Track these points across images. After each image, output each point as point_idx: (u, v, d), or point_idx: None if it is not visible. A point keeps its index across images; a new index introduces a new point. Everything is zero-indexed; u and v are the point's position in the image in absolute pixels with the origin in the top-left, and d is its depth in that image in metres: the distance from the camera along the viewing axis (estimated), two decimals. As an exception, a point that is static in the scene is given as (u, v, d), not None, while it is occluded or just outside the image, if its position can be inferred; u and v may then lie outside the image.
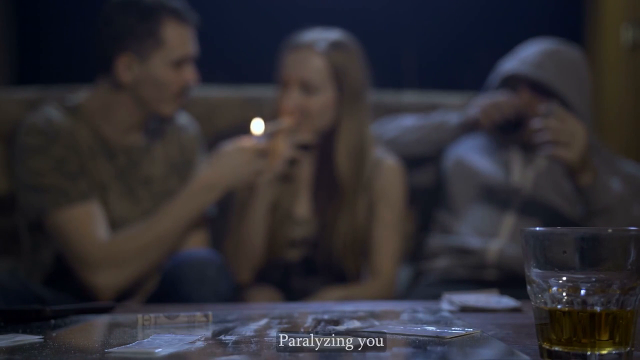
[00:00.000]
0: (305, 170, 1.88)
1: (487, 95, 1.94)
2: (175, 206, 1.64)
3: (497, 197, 1.87)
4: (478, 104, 1.94)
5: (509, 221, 1.82)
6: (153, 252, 1.63)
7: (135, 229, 1.63)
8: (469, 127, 1.98)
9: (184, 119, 1.86)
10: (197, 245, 1.75)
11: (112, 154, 1.71)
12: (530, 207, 1.84)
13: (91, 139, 1.69)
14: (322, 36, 1.84)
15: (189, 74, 1.70)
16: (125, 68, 1.65)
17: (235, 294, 1.64)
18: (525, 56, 1.88)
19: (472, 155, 1.96)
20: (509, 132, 1.92)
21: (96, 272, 1.60)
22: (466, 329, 0.82)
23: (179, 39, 1.67)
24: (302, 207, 1.86)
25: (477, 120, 1.94)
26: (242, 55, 2.68)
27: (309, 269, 1.80)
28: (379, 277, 1.83)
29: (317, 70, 1.80)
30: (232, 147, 1.67)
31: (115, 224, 1.68)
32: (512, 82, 1.90)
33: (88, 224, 1.60)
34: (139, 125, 1.74)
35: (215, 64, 2.73)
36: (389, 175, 1.89)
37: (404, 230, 1.98)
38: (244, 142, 1.67)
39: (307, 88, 1.79)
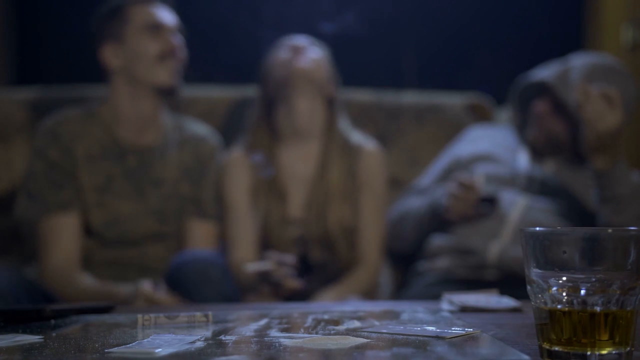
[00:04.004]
0: (300, 166, 1.91)
1: (452, 184, 1.83)
2: (105, 290, 1.66)
3: (502, 187, 1.87)
4: (447, 192, 1.83)
5: (510, 221, 1.82)
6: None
7: (82, 280, 1.70)
8: (441, 216, 1.88)
9: (203, 129, 1.92)
10: (205, 238, 1.82)
11: (122, 155, 1.79)
12: (532, 209, 1.84)
13: (103, 140, 1.79)
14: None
15: (165, 38, 1.76)
16: (111, 55, 1.77)
17: (239, 295, 1.65)
18: (568, 72, 1.85)
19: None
20: (486, 211, 1.82)
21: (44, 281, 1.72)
22: (466, 329, 0.82)
23: (144, 10, 1.77)
24: (294, 207, 1.88)
25: (447, 209, 1.84)
26: (241, 55, 2.68)
27: (305, 268, 1.81)
28: (365, 265, 1.87)
29: (318, 44, 1.95)
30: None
31: (119, 221, 1.76)
32: (542, 89, 1.89)
33: (54, 241, 1.72)
34: (150, 121, 1.81)
35: (215, 63, 2.73)
36: (370, 161, 1.93)
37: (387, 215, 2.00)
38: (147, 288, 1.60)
39: (314, 49, 1.91)
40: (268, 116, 1.92)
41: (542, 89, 1.90)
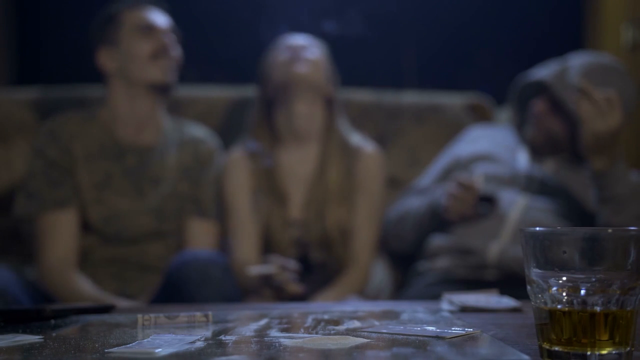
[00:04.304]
0: (300, 168, 1.91)
1: (451, 184, 1.83)
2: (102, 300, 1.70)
3: (501, 187, 1.87)
4: (447, 192, 1.83)
5: (510, 221, 1.82)
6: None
7: (80, 284, 1.72)
8: (439, 216, 1.88)
9: (203, 132, 1.96)
10: (205, 237, 1.84)
11: (121, 154, 1.83)
12: (531, 208, 1.84)
13: (102, 140, 1.83)
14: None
15: (157, 37, 1.81)
16: (107, 59, 1.83)
17: (239, 295, 1.65)
18: (567, 72, 1.85)
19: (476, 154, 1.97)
20: (485, 210, 1.82)
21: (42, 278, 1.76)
22: (466, 329, 0.82)
23: (136, 12, 1.84)
24: (294, 208, 1.89)
25: (446, 209, 1.84)
26: (241, 55, 2.69)
27: (306, 268, 1.82)
28: (356, 265, 1.88)
29: (317, 42, 1.95)
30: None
31: (118, 217, 1.80)
32: (540, 88, 1.89)
33: (52, 238, 1.75)
34: (148, 120, 1.85)
35: (214, 63, 2.73)
36: (368, 164, 1.94)
37: (382, 218, 2.02)
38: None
39: (312, 50, 1.91)
40: (268, 118, 1.93)
41: (541, 88, 1.90)
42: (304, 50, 1.90)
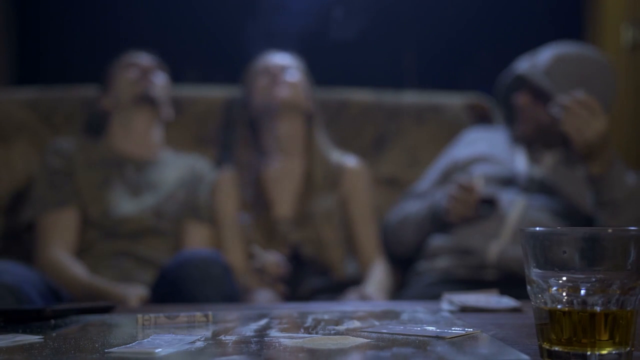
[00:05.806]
0: (285, 180, 1.98)
1: (452, 186, 1.84)
2: (96, 284, 1.74)
3: (500, 187, 1.88)
4: (447, 194, 1.84)
5: (509, 221, 1.82)
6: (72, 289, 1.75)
7: (76, 271, 1.77)
8: (441, 219, 1.88)
9: (198, 157, 2.09)
10: (202, 239, 1.91)
11: (121, 164, 1.96)
12: (531, 208, 1.84)
13: (103, 152, 1.97)
14: None
15: (138, 68, 2.00)
16: (105, 101, 2.03)
17: (239, 294, 1.66)
18: (539, 60, 1.88)
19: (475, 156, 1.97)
20: (486, 212, 1.83)
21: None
22: (466, 329, 0.82)
23: (122, 58, 2.05)
24: (282, 208, 1.94)
25: (447, 211, 1.84)
26: (241, 56, 2.69)
27: (298, 264, 1.86)
28: (374, 260, 1.95)
29: (294, 59, 2.03)
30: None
31: (117, 211, 1.88)
32: (520, 82, 1.91)
33: (52, 234, 1.84)
34: (144, 135, 2.00)
35: (214, 63, 2.73)
36: (352, 178, 2.02)
37: (380, 217, 2.07)
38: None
39: (290, 72, 1.99)
40: (252, 135, 2.02)
41: (520, 83, 1.91)
42: (283, 73, 1.97)
